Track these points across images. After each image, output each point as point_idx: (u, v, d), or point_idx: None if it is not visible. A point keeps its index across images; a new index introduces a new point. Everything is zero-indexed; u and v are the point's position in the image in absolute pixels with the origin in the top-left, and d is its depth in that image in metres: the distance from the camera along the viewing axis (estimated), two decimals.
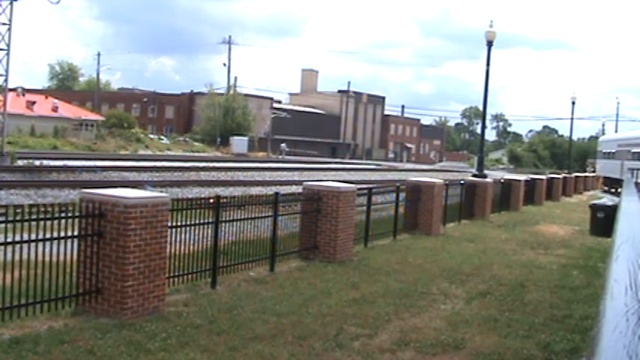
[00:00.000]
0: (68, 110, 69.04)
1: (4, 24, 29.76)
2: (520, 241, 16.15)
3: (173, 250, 8.21)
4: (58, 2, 30.86)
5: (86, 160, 36.42)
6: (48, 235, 6.81)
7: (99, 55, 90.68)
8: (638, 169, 21.99)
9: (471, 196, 20.37)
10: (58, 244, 6.98)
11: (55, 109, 66.63)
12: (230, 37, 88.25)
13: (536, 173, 41.68)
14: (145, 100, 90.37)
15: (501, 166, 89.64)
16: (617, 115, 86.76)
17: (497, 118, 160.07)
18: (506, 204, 24.18)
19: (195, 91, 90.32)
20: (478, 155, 29.45)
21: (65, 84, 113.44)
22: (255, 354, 6.40)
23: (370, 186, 15.89)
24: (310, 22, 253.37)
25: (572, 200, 34.22)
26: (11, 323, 6.57)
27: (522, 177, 28.70)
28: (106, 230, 7.21)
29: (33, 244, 6.69)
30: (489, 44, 25.80)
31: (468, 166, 74.74)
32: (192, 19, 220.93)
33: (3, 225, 6.51)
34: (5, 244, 6.48)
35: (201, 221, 8.88)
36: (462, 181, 20.65)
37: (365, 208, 13.26)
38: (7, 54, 29.98)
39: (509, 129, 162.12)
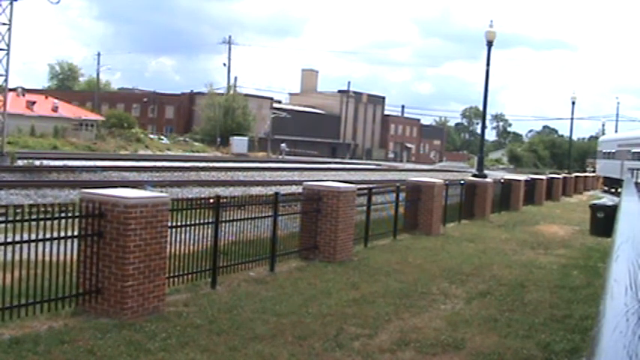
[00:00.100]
0: (68, 110, 69.05)
1: (4, 24, 29.78)
2: (520, 241, 16.15)
3: (173, 250, 8.21)
4: (58, 2, 30.88)
5: (86, 160, 36.42)
6: (48, 235, 6.82)
7: (99, 55, 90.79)
8: (638, 169, 21.98)
9: (470, 196, 20.37)
10: (58, 244, 6.98)
11: (55, 109, 66.64)
12: (230, 37, 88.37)
13: (536, 173, 41.67)
14: (145, 100, 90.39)
15: (501, 166, 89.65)
16: (617, 115, 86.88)
17: (497, 118, 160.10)
18: (506, 204, 24.19)
19: (195, 91, 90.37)
20: (478, 155, 29.46)
21: (65, 84, 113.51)
22: (255, 354, 6.40)
23: (370, 186, 15.89)
24: (310, 22, 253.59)
25: (572, 200, 34.23)
26: (11, 323, 6.57)
27: (522, 177, 28.70)
28: (106, 230, 7.21)
29: (33, 244, 6.69)
30: (489, 44, 25.81)
31: (468, 166, 74.74)
32: (192, 19, 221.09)
33: (3, 225, 6.51)
34: (5, 244, 6.48)
35: (201, 221, 8.88)
36: (462, 181, 20.65)
37: (365, 208, 13.26)
38: (7, 54, 29.99)
39: (509, 129, 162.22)
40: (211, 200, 9.31)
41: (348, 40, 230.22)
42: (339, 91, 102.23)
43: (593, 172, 52.80)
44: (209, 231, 8.98)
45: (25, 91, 68.94)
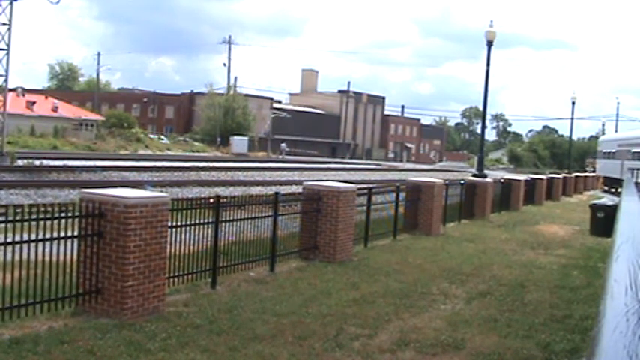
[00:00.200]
0: (68, 110, 69.05)
1: (4, 24, 29.77)
2: (520, 241, 16.15)
3: (173, 250, 8.21)
4: (58, 2, 30.88)
5: (86, 160, 36.42)
6: (48, 235, 6.82)
7: (99, 55, 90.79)
8: (638, 169, 21.98)
9: (470, 196, 20.37)
10: (58, 244, 6.98)
11: (55, 109, 66.64)
12: (230, 37, 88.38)
13: (536, 173, 41.67)
14: (145, 100, 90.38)
15: (501, 166, 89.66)
16: (617, 115, 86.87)
17: (497, 118, 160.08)
18: (506, 204, 24.19)
19: (195, 91, 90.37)
20: (478, 155, 29.46)
21: (65, 84, 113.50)
22: (255, 354, 6.40)
23: (370, 186, 15.89)
24: (310, 22, 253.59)
25: (572, 200, 34.23)
26: (11, 323, 6.57)
27: (522, 177, 28.70)
28: (106, 230, 7.21)
29: (33, 244, 6.70)
30: (489, 44, 25.81)
31: (468, 166, 74.74)
32: (192, 19, 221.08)
33: (3, 225, 6.51)
34: (5, 244, 6.48)
35: (201, 221, 8.88)
36: (462, 181, 20.65)
37: (365, 208, 13.26)
38: (7, 54, 29.99)
39: (509, 129, 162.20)
40: (211, 200, 9.31)
41: (348, 40, 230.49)
42: (339, 91, 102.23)
43: (593, 172, 52.81)
44: (209, 231, 8.98)
45: (25, 91, 68.95)
